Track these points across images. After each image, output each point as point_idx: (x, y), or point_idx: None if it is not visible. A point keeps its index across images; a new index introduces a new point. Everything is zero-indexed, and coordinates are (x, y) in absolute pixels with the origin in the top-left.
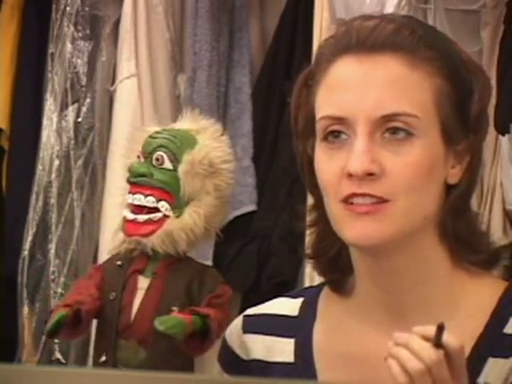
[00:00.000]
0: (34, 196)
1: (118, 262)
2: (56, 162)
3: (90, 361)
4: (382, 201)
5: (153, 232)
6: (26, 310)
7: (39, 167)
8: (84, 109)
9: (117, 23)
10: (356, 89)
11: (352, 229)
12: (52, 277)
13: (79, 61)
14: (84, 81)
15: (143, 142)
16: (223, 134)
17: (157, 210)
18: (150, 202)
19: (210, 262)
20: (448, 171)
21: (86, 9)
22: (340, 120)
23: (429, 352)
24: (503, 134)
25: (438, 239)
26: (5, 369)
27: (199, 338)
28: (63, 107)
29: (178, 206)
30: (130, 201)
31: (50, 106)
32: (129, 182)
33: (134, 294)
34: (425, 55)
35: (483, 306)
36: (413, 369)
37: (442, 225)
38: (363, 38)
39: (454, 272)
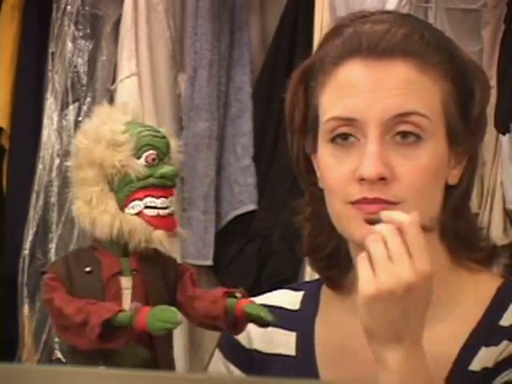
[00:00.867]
0: (34, 195)
1: (87, 269)
2: (56, 161)
3: None
4: (390, 203)
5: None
6: (26, 309)
7: (40, 166)
8: (84, 108)
9: (117, 22)
10: (367, 92)
11: (361, 229)
12: None
13: (80, 60)
14: (84, 80)
15: (150, 142)
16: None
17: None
18: (171, 202)
19: (210, 262)
20: (449, 172)
21: (87, 8)
22: (350, 121)
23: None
24: (504, 134)
25: (438, 237)
26: (5, 368)
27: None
28: (64, 106)
29: None
30: (157, 205)
31: (50, 105)
32: (162, 185)
33: (119, 296)
34: (433, 60)
35: (481, 300)
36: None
37: (443, 224)
38: (374, 43)
39: (453, 268)
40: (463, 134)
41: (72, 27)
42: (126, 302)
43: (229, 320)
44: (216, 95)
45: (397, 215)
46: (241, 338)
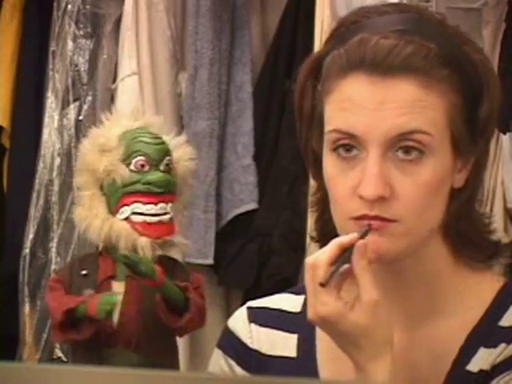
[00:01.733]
0: (35, 194)
1: (83, 272)
2: (57, 160)
3: None
4: (389, 221)
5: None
6: (27, 308)
7: (40, 165)
8: (85, 107)
9: (118, 21)
10: (370, 111)
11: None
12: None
13: (80, 59)
14: (85, 79)
15: (141, 148)
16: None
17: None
18: (169, 208)
19: (210, 261)
20: (454, 177)
21: (88, 7)
22: (352, 136)
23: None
24: (504, 133)
25: (442, 239)
26: (6, 367)
27: (178, 311)
28: (64, 105)
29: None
30: (152, 211)
31: (51, 104)
32: (149, 192)
33: None
34: (439, 75)
35: (483, 300)
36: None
37: (447, 226)
38: (379, 59)
39: (456, 268)
40: (469, 141)
41: (73, 26)
42: (117, 307)
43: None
44: (217, 94)
45: (312, 257)
46: (243, 336)
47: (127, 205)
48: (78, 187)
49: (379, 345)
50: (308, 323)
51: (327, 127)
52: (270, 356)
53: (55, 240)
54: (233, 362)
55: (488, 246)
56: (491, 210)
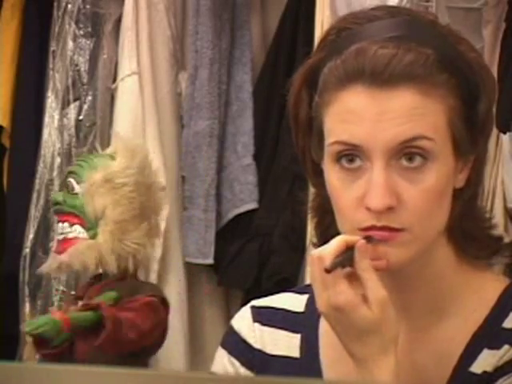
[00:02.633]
0: (35, 194)
1: (72, 292)
2: (57, 160)
3: None
4: (398, 230)
5: (64, 250)
6: (27, 307)
7: (40, 165)
8: (85, 106)
9: (118, 21)
10: (371, 122)
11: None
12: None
13: (81, 58)
14: (85, 78)
15: (71, 169)
16: (137, 152)
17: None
18: (66, 228)
19: (210, 261)
20: (456, 177)
21: (88, 6)
22: (354, 147)
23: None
24: (504, 132)
25: (446, 239)
26: (6, 367)
27: (97, 330)
28: (65, 105)
29: (90, 227)
30: (57, 229)
31: (51, 103)
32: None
33: None
34: (438, 80)
35: (486, 301)
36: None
37: (451, 227)
38: (379, 70)
39: (459, 268)
40: (469, 141)
41: (73, 26)
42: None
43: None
44: (217, 94)
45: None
46: (247, 336)
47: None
48: None
49: (385, 341)
50: (311, 323)
51: (328, 139)
52: (273, 356)
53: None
54: (237, 362)
55: (491, 242)
56: (491, 209)
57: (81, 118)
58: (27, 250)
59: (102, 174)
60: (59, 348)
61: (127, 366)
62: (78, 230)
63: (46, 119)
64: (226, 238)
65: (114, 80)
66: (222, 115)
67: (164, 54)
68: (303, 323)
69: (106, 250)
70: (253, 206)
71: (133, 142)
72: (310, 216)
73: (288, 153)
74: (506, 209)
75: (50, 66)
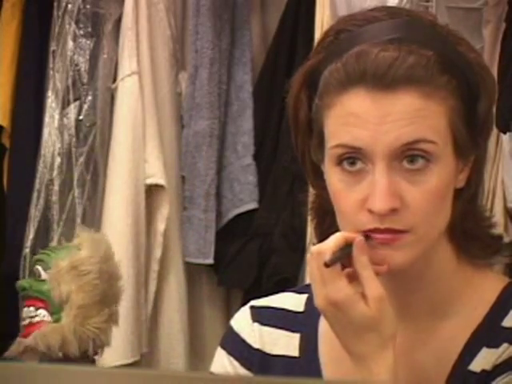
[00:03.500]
0: (35, 194)
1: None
2: (57, 160)
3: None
4: (401, 232)
5: (29, 334)
6: None
7: (41, 165)
8: (85, 106)
9: (118, 21)
10: (373, 125)
11: (370, 256)
12: None
13: (81, 58)
14: (86, 78)
15: (39, 257)
16: (102, 242)
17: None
18: (31, 312)
19: (210, 261)
20: (457, 177)
21: (88, 6)
22: (356, 149)
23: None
24: (504, 132)
25: (447, 239)
26: (6, 367)
27: None
28: (65, 105)
29: (55, 311)
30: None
31: (51, 103)
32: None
33: None
34: (439, 82)
35: (486, 300)
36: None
37: (452, 226)
38: (379, 74)
39: (459, 268)
40: (470, 141)
41: (73, 25)
42: None
43: None
44: (217, 94)
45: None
46: (247, 336)
47: None
48: None
49: (383, 338)
50: (311, 323)
51: (330, 143)
52: (272, 355)
53: (55, 240)
54: (236, 362)
55: (492, 241)
56: (491, 209)
57: (81, 117)
58: (27, 250)
59: (68, 262)
60: None
61: None
62: (42, 314)
63: (46, 119)
64: (226, 238)
65: (114, 80)
66: (222, 115)
67: (164, 54)
68: (303, 323)
69: (68, 333)
70: (253, 205)
71: (97, 235)
72: (309, 217)
73: (288, 153)
74: (506, 208)
75: (50, 65)
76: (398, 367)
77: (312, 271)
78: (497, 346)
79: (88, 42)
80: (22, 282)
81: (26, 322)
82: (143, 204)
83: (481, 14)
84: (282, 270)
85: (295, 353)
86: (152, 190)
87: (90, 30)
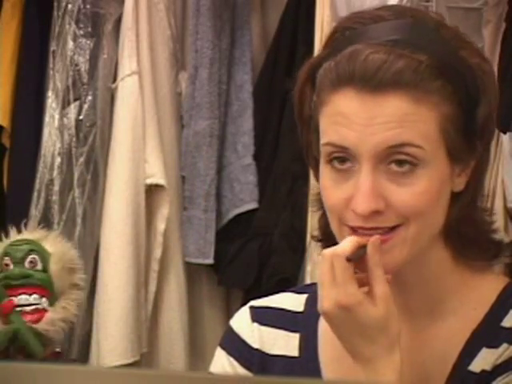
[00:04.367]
0: (35, 194)
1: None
2: (57, 160)
3: (92, 359)
4: (390, 229)
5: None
6: None
7: (41, 165)
8: (86, 106)
9: (118, 21)
10: (361, 126)
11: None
12: None
13: (81, 58)
14: (86, 78)
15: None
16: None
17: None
18: (36, 299)
19: (210, 261)
20: (454, 181)
21: (88, 6)
22: (344, 149)
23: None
24: (504, 132)
25: (443, 242)
26: (6, 367)
27: None
28: (65, 105)
29: (52, 300)
30: (16, 303)
31: (51, 103)
32: (9, 286)
33: None
34: (431, 87)
35: (485, 300)
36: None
37: (448, 230)
38: (369, 75)
39: (456, 269)
40: (466, 148)
41: (73, 25)
42: None
43: None
44: (217, 93)
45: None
46: (246, 336)
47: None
48: None
49: (391, 338)
50: (311, 323)
51: (322, 140)
52: (272, 355)
53: None
54: (235, 363)
55: (491, 246)
56: (491, 209)
57: (81, 117)
58: None
59: (67, 256)
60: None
61: None
62: (46, 303)
63: (46, 119)
64: (226, 237)
65: (114, 80)
66: (222, 115)
67: (164, 53)
68: (302, 323)
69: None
70: (253, 205)
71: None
72: (313, 209)
73: (288, 153)
74: (506, 209)
75: (50, 65)
76: (403, 367)
77: (323, 273)
78: (497, 346)
79: (88, 42)
80: (19, 271)
81: (32, 307)
82: (143, 204)
83: (481, 14)
84: (282, 270)
85: (295, 353)
86: (152, 190)
87: (89, 29)
